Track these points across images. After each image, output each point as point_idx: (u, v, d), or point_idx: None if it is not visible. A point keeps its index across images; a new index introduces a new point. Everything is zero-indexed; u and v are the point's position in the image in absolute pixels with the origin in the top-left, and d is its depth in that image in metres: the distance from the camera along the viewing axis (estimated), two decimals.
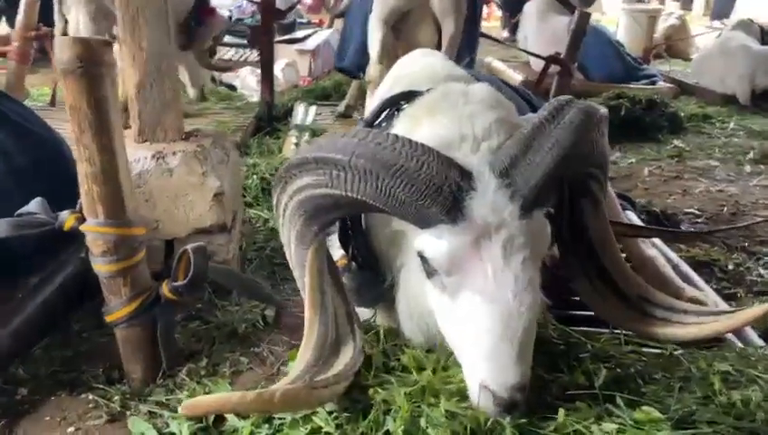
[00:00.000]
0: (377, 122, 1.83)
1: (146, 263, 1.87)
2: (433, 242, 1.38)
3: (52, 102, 4.93)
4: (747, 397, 1.53)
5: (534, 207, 1.38)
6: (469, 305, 1.38)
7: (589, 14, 4.81)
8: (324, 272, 1.57)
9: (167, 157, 2.21)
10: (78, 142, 1.70)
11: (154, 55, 2.19)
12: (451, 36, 4.18)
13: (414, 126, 1.59)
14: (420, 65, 2.18)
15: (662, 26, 10.05)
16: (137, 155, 2.19)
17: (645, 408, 1.47)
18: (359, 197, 1.38)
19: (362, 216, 1.74)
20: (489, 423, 1.38)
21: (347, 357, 1.49)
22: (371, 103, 2.50)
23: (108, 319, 1.85)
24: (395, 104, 1.80)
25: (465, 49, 4.52)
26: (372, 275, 1.75)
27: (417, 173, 1.33)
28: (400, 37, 4.27)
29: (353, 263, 1.78)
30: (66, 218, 1.79)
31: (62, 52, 1.64)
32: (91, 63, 1.64)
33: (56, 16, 4.41)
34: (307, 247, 1.53)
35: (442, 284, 1.43)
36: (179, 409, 1.32)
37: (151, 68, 2.20)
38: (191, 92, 5.45)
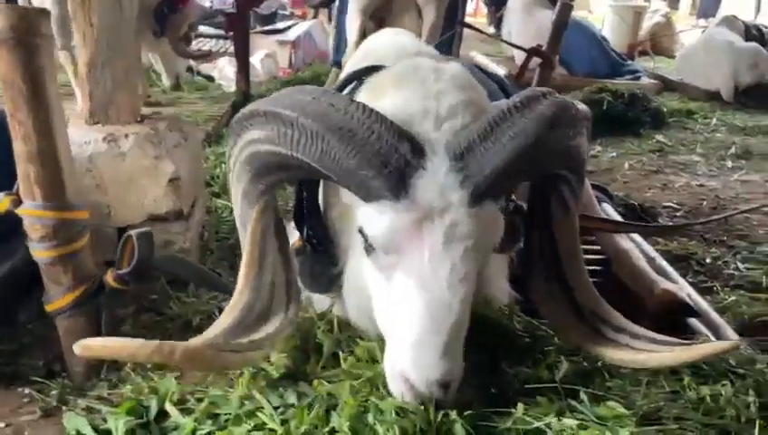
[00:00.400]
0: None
1: (89, 249, 1.77)
2: (374, 217, 1.28)
3: None
4: (717, 392, 1.46)
5: (486, 196, 1.28)
6: (402, 288, 1.29)
7: (570, 6, 4.73)
8: (269, 235, 1.47)
9: (118, 139, 2.10)
10: (12, 119, 1.60)
11: (105, 32, 2.08)
12: (432, 25, 4.10)
13: (377, 96, 1.48)
14: (390, 41, 2.09)
15: (648, 23, 10.04)
16: (87, 137, 2.09)
17: (609, 403, 1.38)
18: (303, 158, 1.29)
19: (319, 193, 1.65)
20: (440, 418, 1.29)
21: (272, 326, 1.40)
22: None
23: (48, 308, 1.75)
24: (360, 77, 1.70)
25: (445, 45, 4.45)
26: (326, 258, 1.66)
27: (366, 141, 1.23)
28: (384, 26, 4.18)
29: (308, 245, 1.69)
30: (0, 201, 1.68)
31: None
32: (26, 34, 1.54)
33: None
34: (252, 206, 1.43)
35: (379, 262, 1.34)
36: (74, 347, 1.23)
37: (103, 46, 2.09)
38: (165, 81, 5.32)
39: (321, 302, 1.78)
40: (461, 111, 1.38)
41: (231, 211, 2.95)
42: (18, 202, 1.68)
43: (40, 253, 1.69)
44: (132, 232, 1.70)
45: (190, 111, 4.61)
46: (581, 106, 1.47)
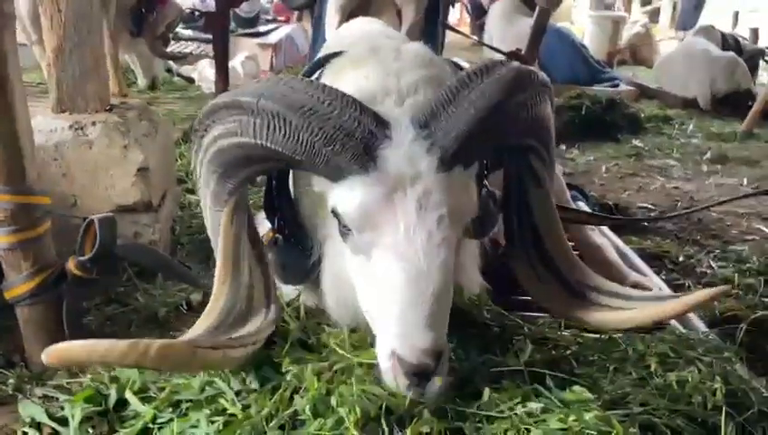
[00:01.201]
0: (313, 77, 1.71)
1: (50, 236, 1.72)
2: (345, 195, 1.26)
3: None
4: (684, 378, 1.45)
5: (455, 162, 1.26)
6: (380, 264, 1.26)
7: (548, 11, 4.76)
8: (242, 238, 1.43)
9: (85, 127, 2.07)
10: None
11: (73, 18, 2.05)
12: (411, 24, 4.10)
13: (337, 77, 1.47)
14: (358, 29, 2.08)
15: (627, 33, 10.16)
16: (53, 125, 2.05)
17: (576, 388, 1.37)
18: (268, 144, 1.26)
19: (289, 183, 1.63)
20: (406, 403, 1.27)
21: (253, 326, 1.36)
22: None
23: (7, 296, 1.70)
24: (323, 63, 1.68)
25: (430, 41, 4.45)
26: (299, 249, 1.63)
27: (328, 116, 1.21)
28: None
29: (279, 237, 1.66)
30: None
31: None
32: None
33: None
34: (222, 206, 1.39)
35: (355, 244, 1.32)
36: (43, 356, 1.12)
37: (71, 32, 2.06)
38: (141, 81, 5.27)
39: (287, 291, 1.75)
40: (422, 87, 1.38)
41: None
42: None
43: None
44: (94, 216, 1.66)
45: (167, 111, 4.56)
46: (540, 73, 1.45)
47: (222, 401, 1.38)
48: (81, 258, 1.67)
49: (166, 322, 1.97)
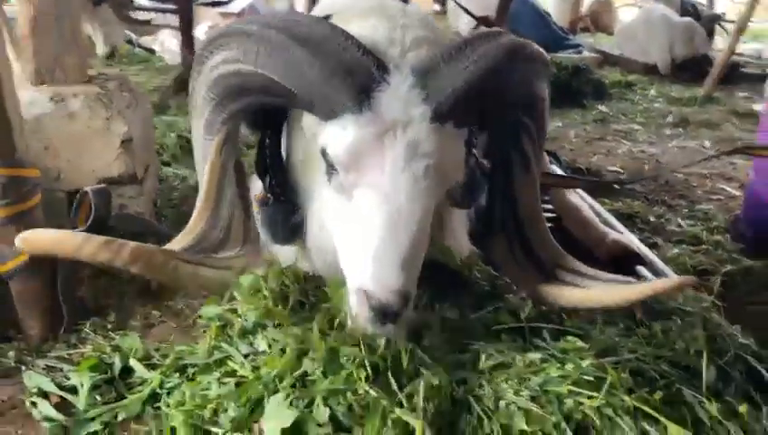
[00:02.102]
0: None
1: (41, 209, 1.71)
2: (337, 134, 1.28)
3: None
4: (668, 327, 1.54)
5: (448, 117, 1.29)
6: (362, 202, 1.29)
7: None
8: (228, 170, 1.47)
9: (67, 99, 2.03)
10: None
11: None
12: None
13: (343, 23, 1.43)
14: None
15: (588, 0, 10.26)
16: (32, 97, 2.01)
17: (570, 338, 1.44)
18: (267, 73, 1.28)
19: (281, 143, 1.64)
20: (409, 355, 1.32)
21: (226, 255, 1.41)
22: None
23: (0, 270, 1.68)
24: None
25: None
26: (288, 209, 1.65)
27: (330, 51, 1.24)
28: None
29: (270, 197, 1.68)
30: None
31: None
32: None
33: None
34: (213, 135, 1.42)
35: (340, 184, 1.34)
36: (17, 241, 1.20)
37: (46, 3, 2.01)
38: (100, 49, 5.13)
39: (286, 256, 1.78)
40: (426, 45, 1.40)
41: (182, 179, 2.92)
42: None
43: None
44: (88, 188, 1.65)
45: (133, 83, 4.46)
46: (541, 51, 1.49)
47: (231, 363, 1.41)
48: (77, 230, 1.66)
49: (159, 292, 1.98)
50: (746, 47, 7.90)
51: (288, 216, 1.63)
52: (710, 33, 7.34)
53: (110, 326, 1.77)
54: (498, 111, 1.45)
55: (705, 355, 1.45)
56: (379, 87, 1.25)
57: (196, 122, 1.46)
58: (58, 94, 2.03)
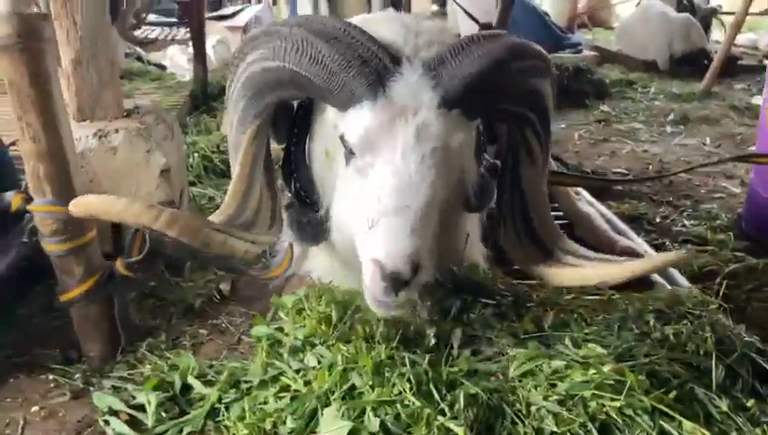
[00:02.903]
0: None
1: (97, 241, 1.85)
2: (354, 121, 1.44)
3: None
4: (679, 331, 1.68)
5: (456, 105, 1.45)
6: (375, 178, 1.44)
7: None
8: (258, 161, 1.64)
9: (109, 135, 2.18)
10: (20, 120, 1.67)
11: (89, 30, 2.14)
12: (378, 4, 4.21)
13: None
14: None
15: None
16: (77, 134, 2.14)
17: (590, 345, 1.59)
18: (294, 67, 1.45)
19: (305, 146, 1.79)
20: (449, 365, 1.47)
21: (254, 233, 1.57)
22: None
23: (62, 299, 1.83)
24: None
25: None
26: (313, 211, 1.81)
27: (349, 44, 1.42)
28: (334, 11, 4.28)
29: (296, 200, 1.84)
30: (12, 199, 1.75)
31: None
32: (31, 39, 1.60)
33: None
34: (246, 127, 1.59)
35: (357, 167, 1.49)
36: (70, 206, 1.40)
37: (86, 44, 2.15)
38: None
39: (318, 265, 1.93)
40: (437, 46, 1.55)
41: (209, 199, 3.06)
42: (29, 200, 1.75)
43: (52, 247, 1.77)
44: None
45: (150, 101, 4.60)
46: (542, 50, 1.65)
47: (284, 379, 1.56)
48: (130, 260, 1.81)
49: (202, 311, 2.13)
50: (742, 38, 7.99)
51: (313, 215, 1.79)
52: (707, 27, 7.46)
53: (162, 346, 1.92)
54: (503, 104, 1.61)
55: (713, 356, 1.59)
56: (392, 77, 1.43)
57: (231, 117, 1.64)
58: (101, 130, 2.17)
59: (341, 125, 1.51)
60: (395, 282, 1.37)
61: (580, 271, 1.74)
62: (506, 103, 1.62)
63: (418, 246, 1.40)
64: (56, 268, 1.81)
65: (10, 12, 1.61)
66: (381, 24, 1.64)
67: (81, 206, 1.40)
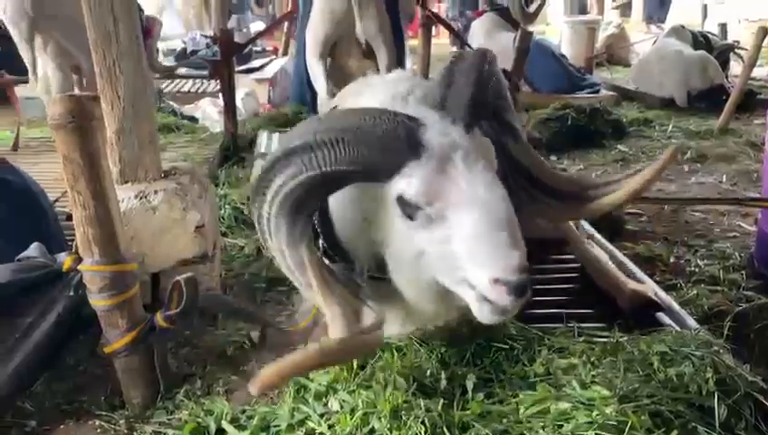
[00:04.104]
0: None
1: (139, 296, 2.02)
2: (407, 181, 1.56)
3: (15, 147, 5.01)
4: (681, 372, 1.77)
5: (473, 125, 1.65)
6: (455, 217, 1.54)
7: (531, 33, 5.13)
8: (322, 263, 1.72)
9: (149, 195, 2.37)
10: (72, 189, 1.86)
11: (131, 101, 2.36)
12: (386, 66, 4.41)
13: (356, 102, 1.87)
14: (362, 83, 2.48)
15: (603, 35, 10.57)
16: (120, 195, 2.34)
17: (595, 388, 1.69)
18: (331, 168, 1.55)
19: (327, 209, 1.89)
20: (459, 409, 1.59)
21: (368, 320, 1.61)
22: None
23: (107, 350, 2.00)
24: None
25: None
26: (346, 267, 1.93)
27: (375, 125, 1.55)
28: (331, 67, 4.48)
29: (325, 259, 1.94)
30: (65, 260, 1.94)
31: (54, 108, 1.79)
32: (82, 118, 1.80)
33: (30, 68, 4.58)
34: (299, 245, 1.63)
35: (427, 217, 1.58)
36: (249, 387, 1.38)
37: (129, 113, 2.37)
38: None
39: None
40: (415, 88, 1.84)
41: (240, 248, 3.23)
42: (79, 260, 1.94)
43: (99, 302, 1.94)
44: (180, 277, 1.97)
45: (183, 155, 4.85)
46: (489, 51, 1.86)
47: (310, 422, 1.69)
48: (170, 313, 1.98)
49: (235, 358, 2.27)
50: (759, 71, 8.04)
51: (348, 272, 1.89)
52: (724, 63, 7.55)
53: (198, 392, 2.06)
54: (488, 102, 1.79)
55: (716, 396, 1.68)
56: (420, 132, 1.58)
57: (276, 239, 1.66)
58: (142, 191, 2.37)
59: (394, 190, 1.60)
60: (521, 290, 1.47)
61: (611, 196, 1.87)
62: (492, 100, 1.80)
63: (523, 252, 1.50)
64: (102, 322, 1.98)
65: (65, 95, 1.82)
66: (361, 95, 1.90)
67: (266, 383, 1.39)
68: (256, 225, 1.73)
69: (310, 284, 1.62)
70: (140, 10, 4.72)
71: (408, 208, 1.60)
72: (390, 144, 1.55)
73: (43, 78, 4.33)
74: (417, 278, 1.72)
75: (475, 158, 1.58)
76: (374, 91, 1.98)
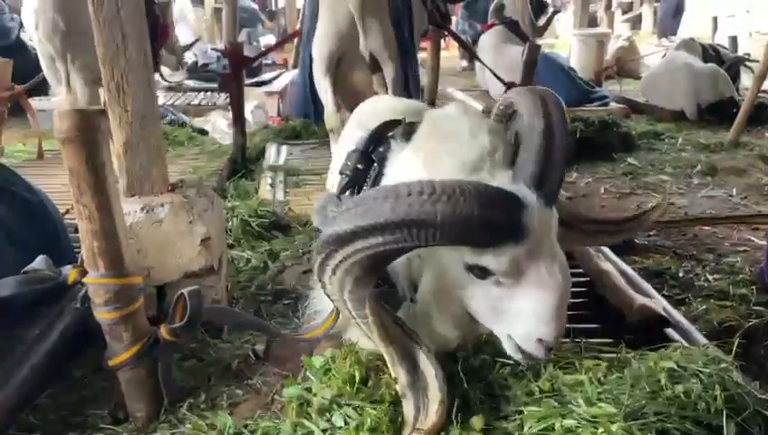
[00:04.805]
0: (370, 150, 2.10)
1: (144, 309, 2.03)
2: (497, 260, 1.60)
3: (40, 155, 5.13)
4: (689, 389, 1.74)
5: (553, 202, 1.69)
6: (526, 292, 1.63)
7: (539, 46, 5.15)
8: (388, 321, 1.71)
9: (155, 209, 2.38)
10: (78, 202, 1.87)
11: (139, 115, 2.37)
12: (393, 79, 4.43)
13: (433, 159, 1.83)
14: (379, 104, 2.46)
15: (612, 48, 10.55)
16: (127, 208, 2.35)
17: (601, 404, 1.67)
18: (423, 244, 1.53)
19: None
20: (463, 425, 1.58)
21: (429, 373, 1.66)
22: (338, 150, 2.72)
23: (111, 363, 1.99)
24: (381, 133, 2.12)
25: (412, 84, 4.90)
26: (387, 288, 1.94)
27: (475, 205, 1.47)
28: (336, 82, 4.50)
29: None
30: (70, 273, 1.95)
31: (61, 121, 1.81)
32: (89, 132, 1.81)
33: (52, 82, 4.66)
34: (363, 304, 1.64)
35: (498, 281, 1.65)
36: None
37: (137, 128, 2.38)
38: None
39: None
40: (494, 138, 1.82)
41: (247, 261, 3.24)
42: (84, 273, 1.94)
43: (104, 315, 1.94)
44: (184, 290, 1.97)
45: (193, 168, 4.88)
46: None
47: None
48: (174, 326, 1.98)
49: (239, 372, 2.27)
50: None
51: (388, 295, 1.91)
52: (735, 76, 7.51)
53: (202, 406, 2.06)
54: None
55: (724, 414, 1.66)
56: (522, 214, 1.56)
57: (338, 293, 1.66)
58: (148, 205, 2.38)
59: (479, 260, 1.63)
60: (552, 348, 1.70)
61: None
62: None
63: (565, 317, 1.69)
64: (106, 334, 1.98)
65: (72, 109, 1.83)
66: (431, 138, 1.89)
67: None
68: (315, 271, 1.67)
69: (369, 329, 1.67)
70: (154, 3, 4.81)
71: (482, 272, 1.65)
72: (491, 225, 1.53)
73: (71, 93, 4.42)
74: (453, 309, 1.84)
75: (555, 241, 1.66)
76: (443, 132, 1.89)
